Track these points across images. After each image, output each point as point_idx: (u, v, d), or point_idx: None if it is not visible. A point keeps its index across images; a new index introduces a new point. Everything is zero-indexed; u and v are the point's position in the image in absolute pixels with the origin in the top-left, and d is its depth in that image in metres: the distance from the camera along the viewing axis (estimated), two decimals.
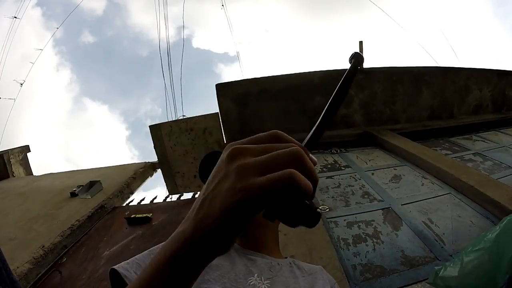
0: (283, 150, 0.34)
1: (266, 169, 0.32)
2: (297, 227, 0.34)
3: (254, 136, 0.39)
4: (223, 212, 0.32)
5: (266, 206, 0.32)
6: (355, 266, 2.39)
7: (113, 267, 0.67)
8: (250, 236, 0.89)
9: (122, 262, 0.69)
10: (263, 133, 0.39)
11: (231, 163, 0.34)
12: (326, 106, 0.46)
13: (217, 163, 0.37)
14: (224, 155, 0.36)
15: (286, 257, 0.93)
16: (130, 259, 0.71)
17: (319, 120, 0.45)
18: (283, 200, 0.32)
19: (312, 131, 0.44)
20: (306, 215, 0.33)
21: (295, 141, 0.38)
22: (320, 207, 3.14)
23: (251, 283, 0.75)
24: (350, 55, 0.51)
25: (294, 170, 0.31)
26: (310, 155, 0.37)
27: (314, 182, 0.33)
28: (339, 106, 0.47)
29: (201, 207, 0.34)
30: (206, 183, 0.37)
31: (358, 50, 5.30)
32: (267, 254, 0.87)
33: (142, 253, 0.75)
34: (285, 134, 0.38)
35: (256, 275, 0.78)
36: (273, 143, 0.37)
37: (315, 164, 0.36)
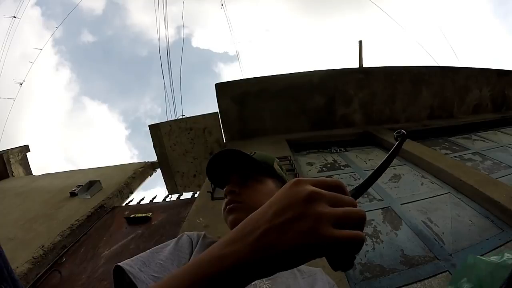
0: (355, 209, 0.38)
1: (342, 222, 0.36)
2: (335, 270, 0.39)
3: (321, 179, 0.42)
4: (294, 249, 0.35)
5: (329, 254, 0.36)
6: (354, 265, 2.39)
7: (118, 263, 0.67)
8: None
9: (126, 260, 0.69)
10: (329, 180, 0.42)
11: (310, 206, 0.37)
12: (374, 170, 0.54)
13: (287, 195, 0.40)
14: (298, 191, 0.39)
15: None
16: (133, 257, 0.71)
17: (368, 177, 0.53)
18: (344, 253, 0.36)
19: (360, 184, 0.51)
20: (348, 264, 0.37)
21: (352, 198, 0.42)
22: None
23: (252, 283, 0.75)
24: (397, 132, 0.60)
25: (363, 234, 0.36)
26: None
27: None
28: (383, 172, 0.55)
29: (266, 236, 0.36)
30: (272, 211, 0.39)
31: (357, 50, 5.31)
32: None
33: (145, 252, 0.75)
34: (346, 187, 0.43)
35: None
36: (337, 191, 0.41)
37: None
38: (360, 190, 0.50)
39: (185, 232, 0.88)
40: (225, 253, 0.37)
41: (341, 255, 0.37)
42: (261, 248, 0.36)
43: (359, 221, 0.38)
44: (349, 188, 0.45)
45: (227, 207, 0.88)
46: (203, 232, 0.90)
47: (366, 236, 2.71)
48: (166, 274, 0.67)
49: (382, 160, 0.55)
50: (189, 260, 0.77)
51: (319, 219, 0.36)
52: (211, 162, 0.94)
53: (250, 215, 0.42)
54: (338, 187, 0.41)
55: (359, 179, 3.90)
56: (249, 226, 0.39)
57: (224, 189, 0.92)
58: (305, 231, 0.35)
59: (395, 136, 0.59)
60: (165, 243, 0.82)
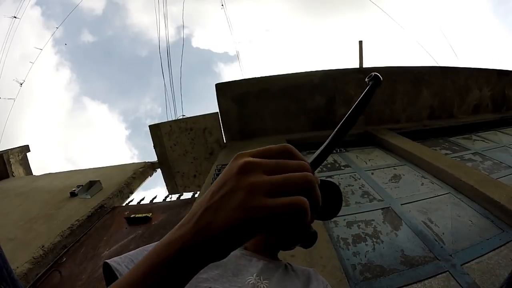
0: (298, 174, 0.35)
1: (278, 191, 0.33)
2: (293, 248, 0.35)
3: (265, 148, 0.39)
4: (228, 226, 0.33)
5: (269, 227, 0.33)
6: (355, 265, 2.39)
7: (106, 260, 0.67)
8: (251, 244, 0.90)
9: (115, 257, 0.69)
10: (274, 146, 0.39)
11: (243, 178, 0.34)
12: (338, 126, 0.46)
13: (224, 171, 0.38)
14: (233, 165, 0.37)
15: (280, 260, 0.94)
16: (122, 255, 0.71)
17: (328, 140, 0.45)
18: (286, 224, 0.33)
19: (320, 150, 0.44)
20: (304, 237, 0.34)
21: (304, 158, 0.38)
22: None
23: (250, 282, 0.76)
24: (368, 76, 0.51)
25: (305, 200, 0.33)
26: (315, 173, 0.38)
27: (317, 210, 0.35)
28: (351, 127, 0.47)
29: (203, 216, 0.34)
30: (210, 191, 0.37)
31: (358, 50, 5.31)
32: (264, 256, 0.88)
33: (135, 250, 0.75)
34: (296, 150, 0.39)
35: (255, 274, 0.79)
36: (284, 158, 0.37)
37: (318, 183, 0.37)
38: (320, 158, 0.44)
39: None
40: (172, 238, 0.36)
41: (286, 228, 0.33)
42: (200, 228, 0.34)
43: (304, 186, 0.34)
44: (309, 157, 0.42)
45: None
46: None
47: (366, 237, 2.72)
48: None
49: (349, 111, 0.47)
50: None
51: (250, 191, 0.33)
52: None
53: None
54: (284, 152, 0.38)
55: (359, 179, 3.90)
56: (193, 209, 0.37)
57: None
58: (236, 206, 0.33)
59: (366, 81, 0.51)
60: (156, 242, 0.82)
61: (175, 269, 0.35)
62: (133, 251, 0.74)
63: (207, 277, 0.72)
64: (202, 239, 0.33)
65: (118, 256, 0.70)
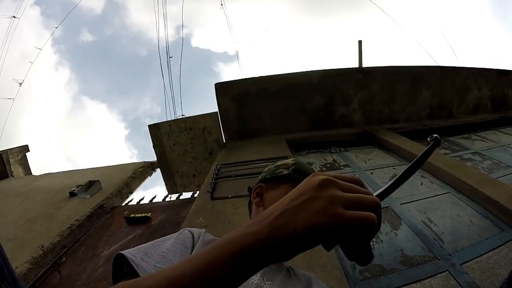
0: (369, 197, 0.40)
1: (354, 206, 0.38)
2: (351, 261, 0.40)
3: (339, 174, 0.44)
4: (306, 227, 0.37)
5: (340, 236, 0.37)
6: (354, 265, 2.39)
7: (120, 252, 0.67)
8: None
9: (128, 249, 0.69)
10: (347, 174, 0.45)
11: (324, 190, 0.39)
12: (403, 171, 0.53)
13: (303, 184, 0.42)
14: (313, 180, 0.41)
15: (283, 263, 0.95)
16: (135, 247, 0.71)
17: (395, 179, 0.52)
18: (355, 236, 0.37)
19: (387, 186, 0.50)
20: (364, 254, 0.39)
21: (370, 192, 0.44)
22: None
23: (254, 282, 0.77)
24: (430, 137, 0.57)
25: (375, 216, 0.38)
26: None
27: (376, 231, 0.39)
28: (412, 174, 0.54)
29: (282, 216, 0.39)
30: (288, 198, 0.41)
31: (357, 50, 5.30)
32: None
33: (147, 243, 0.75)
34: (364, 182, 0.45)
35: (258, 275, 0.79)
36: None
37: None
38: (383, 194, 0.50)
39: (186, 228, 0.89)
40: (245, 233, 0.39)
41: (354, 240, 0.38)
42: (275, 227, 0.37)
43: (373, 207, 0.39)
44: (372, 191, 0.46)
45: None
46: (203, 229, 0.91)
47: None
48: (168, 265, 0.67)
49: (410, 164, 0.54)
50: (190, 254, 0.77)
51: (331, 200, 0.38)
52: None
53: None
54: (355, 181, 0.44)
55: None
56: (269, 211, 0.41)
57: None
58: (317, 210, 0.37)
59: (428, 140, 0.58)
60: (166, 236, 0.82)
61: (238, 265, 0.37)
62: (144, 244, 0.74)
63: None
64: (279, 236, 0.37)
65: (131, 249, 0.70)
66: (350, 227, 0.36)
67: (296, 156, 4.83)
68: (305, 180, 0.43)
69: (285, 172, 0.99)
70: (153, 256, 0.69)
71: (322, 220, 0.36)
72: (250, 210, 1.06)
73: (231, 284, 0.38)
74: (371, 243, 0.41)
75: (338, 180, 0.41)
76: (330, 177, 0.41)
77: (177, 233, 0.85)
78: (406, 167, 0.54)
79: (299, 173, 0.98)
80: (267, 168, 1.08)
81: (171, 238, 0.80)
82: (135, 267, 0.62)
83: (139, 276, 0.61)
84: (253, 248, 0.37)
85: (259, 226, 0.39)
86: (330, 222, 0.36)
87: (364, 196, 0.40)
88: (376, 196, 0.46)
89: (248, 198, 1.09)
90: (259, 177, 1.08)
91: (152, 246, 0.73)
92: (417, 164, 0.54)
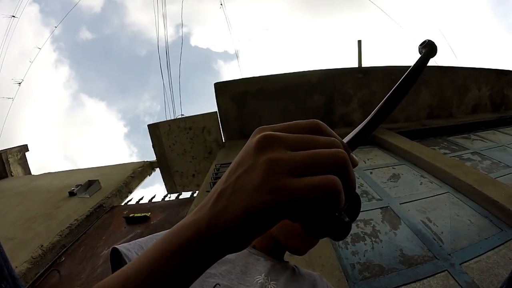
0: (327, 151, 0.29)
1: (304, 170, 0.28)
2: (323, 238, 0.31)
3: (292, 122, 0.33)
4: (245, 212, 0.28)
5: (294, 213, 0.28)
6: (353, 265, 2.39)
7: (115, 246, 0.65)
8: (263, 244, 0.89)
9: (125, 243, 0.68)
10: (302, 121, 0.33)
11: (262, 153, 0.29)
12: (384, 100, 0.40)
13: (243, 149, 0.33)
14: (252, 141, 0.31)
15: (288, 262, 0.94)
16: (132, 241, 0.69)
17: (372, 114, 0.39)
18: (315, 209, 0.27)
19: (361, 126, 0.38)
20: (336, 226, 0.28)
21: (337, 136, 0.33)
22: None
23: (259, 281, 0.75)
24: (422, 43, 0.43)
25: (337, 179, 0.27)
26: (352, 155, 0.33)
27: (352, 193, 0.30)
28: (400, 100, 0.40)
29: (219, 199, 0.30)
30: (227, 172, 0.32)
31: (357, 50, 5.28)
32: (272, 256, 0.88)
33: (145, 237, 0.74)
34: (327, 126, 0.33)
35: (263, 274, 0.78)
36: (312, 134, 0.32)
37: (355, 165, 0.32)
38: (359, 136, 0.37)
39: None
40: (186, 223, 0.32)
41: (314, 215, 0.27)
42: (215, 213, 0.29)
43: (336, 164, 0.28)
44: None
45: (310, 241, 0.83)
46: None
47: (365, 236, 2.72)
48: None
49: (397, 84, 0.41)
50: None
51: (272, 169, 0.28)
52: None
53: None
54: (312, 128, 0.32)
55: (358, 178, 3.90)
56: (211, 191, 0.32)
57: None
58: (253, 187, 0.28)
59: (419, 49, 0.43)
60: (167, 230, 0.81)
61: (187, 257, 0.31)
62: (142, 238, 0.72)
63: (214, 272, 0.71)
64: (218, 224, 0.29)
65: (128, 243, 0.69)
66: (303, 202, 0.26)
67: None
68: (247, 142, 0.32)
69: None
70: None
71: (260, 200, 0.27)
72: None
73: (183, 281, 0.32)
74: (344, 212, 0.29)
75: (283, 134, 0.30)
76: (271, 133, 0.31)
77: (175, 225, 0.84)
78: (392, 88, 0.40)
79: None
80: None
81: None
82: (127, 263, 0.61)
83: None
84: (194, 239, 0.30)
85: (200, 213, 0.31)
86: (270, 201, 0.27)
87: (318, 151, 0.29)
88: (350, 141, 0.37)
89: None
90: None
91: (149, 240, 0.72)
92: (405, 84, 0.40)
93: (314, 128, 0.32)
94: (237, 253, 0.83)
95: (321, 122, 0.33)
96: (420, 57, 0.42)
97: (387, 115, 0.39)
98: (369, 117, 0.38)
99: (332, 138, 0.31)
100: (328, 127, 0.33)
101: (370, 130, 0.37)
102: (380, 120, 0.38)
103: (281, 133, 0.31)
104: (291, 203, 0.27)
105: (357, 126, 0.37)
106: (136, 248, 0.66)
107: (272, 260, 0.86)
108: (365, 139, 0.37)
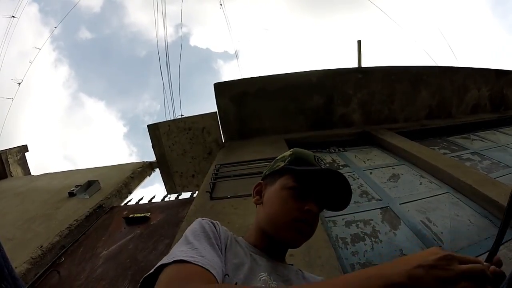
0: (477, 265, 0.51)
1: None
2: None
3: (463, 256, 0.53)
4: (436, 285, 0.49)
5: None
6: (353, 265, 2.39)
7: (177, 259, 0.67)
8: (264, 245, 0.92)
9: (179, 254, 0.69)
10: (471, 257, 0.54)
11: (446, 263, 0.50)
12: (499, 230, 0.65)
13: (428, 251, 0.54)
14: (437, 252, 0.53)
15: (292, 265, 0.95)
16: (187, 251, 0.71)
17: (499, 231, 0.63)
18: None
19: (494, 244, 0.62)
20: None
21: (480, 260, 0.54)
22: None
23: (262, 278, 0.78)
24: None
25: (482, 267, 0.51)
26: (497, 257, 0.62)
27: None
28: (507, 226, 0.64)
29: (418, 269, 0.50)
30: (420, 256, 0.53)
31: (356, 49, 5.29)
32: (275, 258, 0.91)
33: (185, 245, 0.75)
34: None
35: (266, 273, 0.80)
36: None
37: (500, 265, 0.61)
38: (494, 249, 0.62)
39: (200, 219, 0.88)
40: (390, 272, 0.51)
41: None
42: (413, 275, 0.49)
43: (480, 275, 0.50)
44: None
45: (303, 224, 0.87)
46: (216, 222, 0.90)
47: (365, 236, 2.72)
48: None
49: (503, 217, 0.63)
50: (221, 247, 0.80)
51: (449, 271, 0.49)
52: (328, 172, 0.91)
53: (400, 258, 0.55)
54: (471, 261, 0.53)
55: (358, 178, 3.90)
56: (405, 259, 0.54)
57: (310, 205, 0.87)
58: (440, 277, 0.49)
59: None
60: (187, 235, 0.80)
61: None
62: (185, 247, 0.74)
63: (227, 262, 0.76)
64: (413, 282, 0.49)
65: (180, 251, 0.70)
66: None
67: None
68: (431, 248, 0.55)
69: (282, 164, 0.97)
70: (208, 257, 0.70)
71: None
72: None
73: None
74: None
75: (456, 255, 0.52)
76: (451, 253, 0.52)
77: (200, 227, 0.83)
78: (501, 222, 0.63)
79: (296, 162, 0.95)
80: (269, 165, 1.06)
81: (202, 236, 0.79)
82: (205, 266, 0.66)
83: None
84: (395, 285, 0.50)
85: (400, 269, 0.51)
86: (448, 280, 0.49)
87: (474, 266, 0.50)
88: (488, 257, 0.61)
89: (249, 198, 1.10)
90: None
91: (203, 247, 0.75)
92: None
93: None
94: (244, 251, 0.86)
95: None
96: None
97: (505, 231, 0.65)
98: (497, 234, 0.63)
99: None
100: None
101: (499, 244, 0.64)
102: (503, 235, 0.65)
103: (455, 254, 0.53)
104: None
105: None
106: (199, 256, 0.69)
107: (275, 261, 0.89)
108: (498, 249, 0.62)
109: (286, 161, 0.97)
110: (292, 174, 0.91)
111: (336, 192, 0.93)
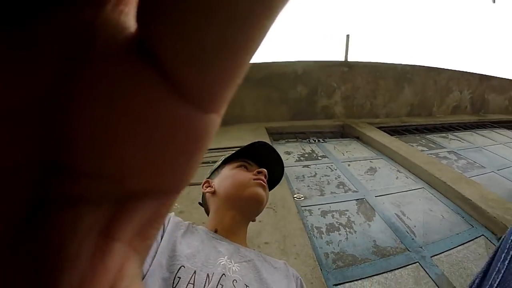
0: None
1: None
2: None
3: None
4: None
5: None
6: (327, 254, 2.38)
7: None
8: (225, 225, 0.91)
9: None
10: None
11: None
12: None
13: None
14: None
15: (254, 249, 0.93)
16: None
17: None
18: None
19: None
20: None
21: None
22: (295, 196, 3.12)
23: (221, 263, 0.75)
24: None
25: None
26: None
27: None
28: None
29: None
30: None
31: (344, 44, 5.27)
32: (236, 241, 0.89)
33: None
34: None
35: (226, 257, 0.77)
36: None
37: None
38: None
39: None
40: None
41: None
42: None
43: None
44: None
45: (261, 179, 0.94)
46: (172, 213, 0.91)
47: (340, 226, 2.72)
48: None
49: None
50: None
51: None
52: (265, 145, 1.09)
53: None
54: None
55: (335, 170, 3.90)
56: None
57: (261, 168, 0.99)
58: None
59: None
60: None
61: None
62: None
63: (179, 254, 0.71)
64: None
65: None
66: None
67: (275, 144, 4.79)
68: None
69: (223, 158, 1.07)
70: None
71: None
72: (203, 206, 1.06)
73: None
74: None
75: None
76: None
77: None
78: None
79: (235, 153, 1.06)
80: None
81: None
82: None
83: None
84: None
85: None
86: None
87: None
88: None
89: None
90: None
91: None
92: None
93: None
94: (201, 238, 0.83)
95: None
96: None
97: None
98: None
99: None
100: None
101: None
102: None
103: None
104: None
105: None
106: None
107: (237, 245, 0.86)
108: None
109: (227, 156, 1.08)
110: (234, 159, 1.03)
111: (273, 165, 1.07)
